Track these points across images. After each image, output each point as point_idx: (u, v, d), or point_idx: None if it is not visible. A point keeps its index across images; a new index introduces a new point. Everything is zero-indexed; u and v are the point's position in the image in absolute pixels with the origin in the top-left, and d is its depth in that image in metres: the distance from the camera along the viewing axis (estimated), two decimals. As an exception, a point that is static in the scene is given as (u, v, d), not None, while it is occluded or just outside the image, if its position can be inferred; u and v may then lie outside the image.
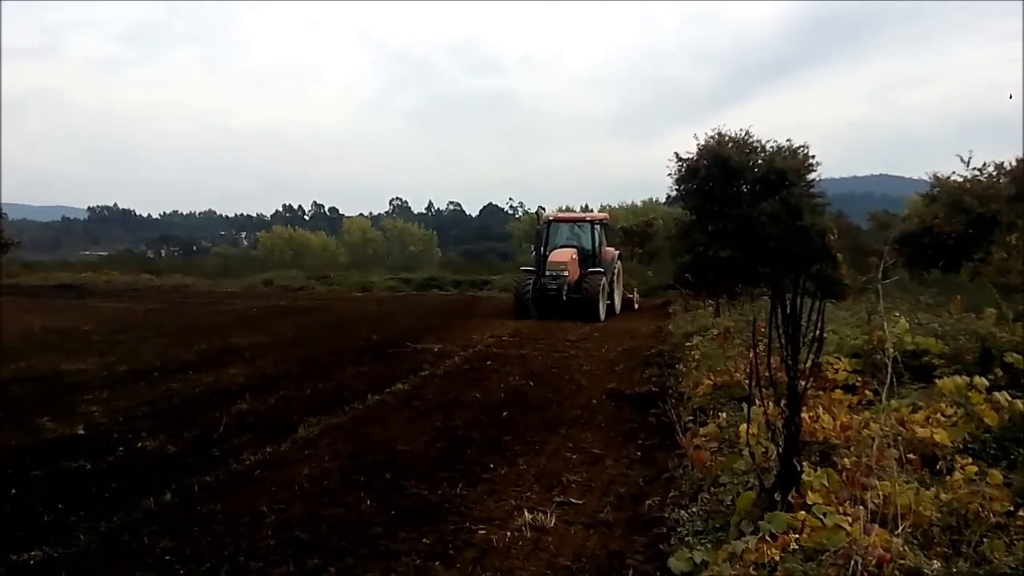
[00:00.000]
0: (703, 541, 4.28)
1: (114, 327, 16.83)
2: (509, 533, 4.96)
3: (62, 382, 10.16)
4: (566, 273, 19.81)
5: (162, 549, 4.71)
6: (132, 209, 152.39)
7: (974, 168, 24.93)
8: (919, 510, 3.76)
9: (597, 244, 21.72)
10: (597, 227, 22.13)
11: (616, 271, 22.27)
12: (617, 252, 23.20)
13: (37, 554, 4.66)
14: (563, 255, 20.38)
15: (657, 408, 8.28)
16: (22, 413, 8.25)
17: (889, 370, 4.56)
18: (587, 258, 21.21)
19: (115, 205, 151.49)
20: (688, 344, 12.09)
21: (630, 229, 40.48)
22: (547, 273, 19.98)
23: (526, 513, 5.24)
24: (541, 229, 21.89)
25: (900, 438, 4.88)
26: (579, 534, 5.02)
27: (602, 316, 19.84)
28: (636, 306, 24.37)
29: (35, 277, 35.58)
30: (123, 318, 19.20)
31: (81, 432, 7.55)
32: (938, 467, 4.69)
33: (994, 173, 24.76)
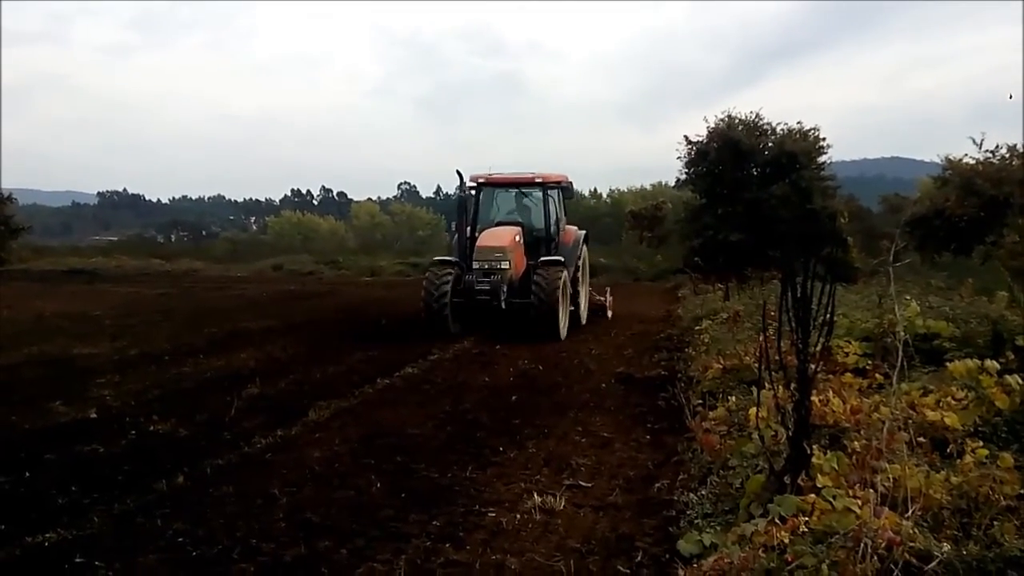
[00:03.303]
0: (712, 524, 4.29)
1: (125, 311, 16.91)
2: (519, 516, 4.99)
3: (74, 366, 10.22)
4: (505, 265, 13.04)
5: (175, 531, 4.75)
6: (142, 194, 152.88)
7: (986, 150, 24.71)
8: (929, 493, 3.75)
9: (553, 220, 14.54)
10: (553, 194, 14.71)
11: (582, 260, 15.30)
12: (583, 232, 15.54)
13: (52, 536, 4.70)
14: (500, 237, 13.48)
15: (666, 392, 8.28)
16: (35, 397, 8.31)
17: (900, 353, 4.54)
18: (538, 241, 14.35)
19: (125, 190, 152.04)
20: (697, 328, 12.09)
21: (639, 213, 40.35)
22: (475, 265, 13.17)
23: (536, 496, 5.26)
24: (466, 198, 14.07)
25: (911, 421, 4.86)
26: (588, 517, 5.04)
27: (563, 331, 13.23)
28: (609, 312, 16.67)
29: (46, 262, 35.69)
30: (134, 302, 19.28)
31: (94, 416, 7.61)
32: (948, 450, 4.67)
33: (1007, 155, 24.52)
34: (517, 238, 13.67)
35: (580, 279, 15.15)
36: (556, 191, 14.96)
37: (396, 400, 8.41)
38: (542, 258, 13.67)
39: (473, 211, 14.46)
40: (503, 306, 12.91)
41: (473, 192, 14.51)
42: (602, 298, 16.85)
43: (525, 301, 12.95)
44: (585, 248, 15.60)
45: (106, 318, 15.57)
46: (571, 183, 15.28)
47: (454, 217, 15.01)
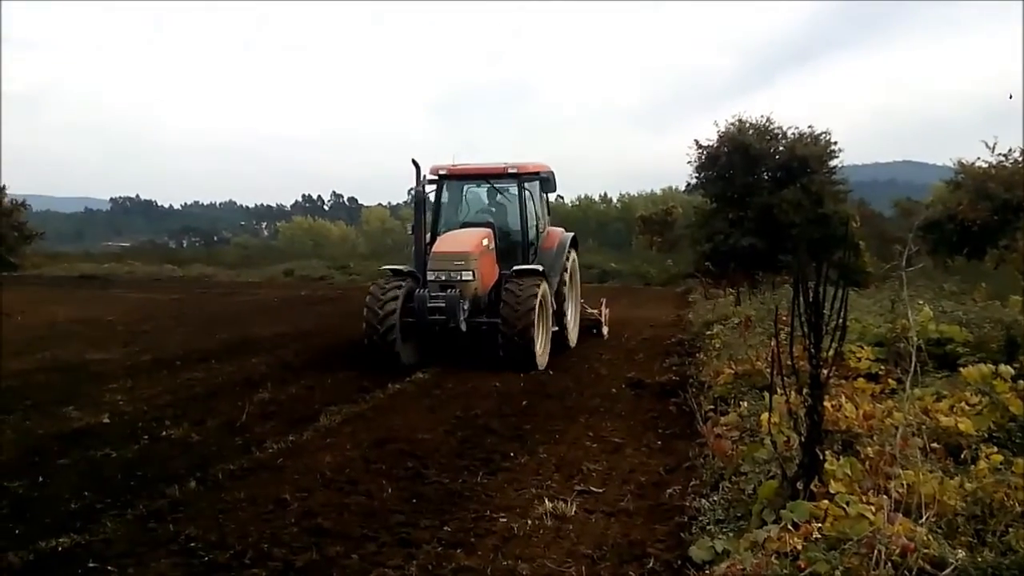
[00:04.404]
0: (724, 530, 4.27)
1: (137, 317, 16.98)
2: (530, 521, 4.98)
3: (87, 372, 10.27)
4: (468, 276, 10.48)
5: (187, 536, 4.77)
6: (154, 200, 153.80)
7: (999, 154, 24.63)
8: (943, 499, 3.73)
9: (530, 221, 12.03)
10: (529, 188, 12.08)
11: (569, 269, 12.67)
12: (570, 235, 13.03)
13: (65, 541, 4.73)
14: (462, 241, 10.95)
15: (677, 397, 8.26)
16: (48, 403, 8.35)
17: (913, 358, 4.52)
18: (513, 247, 11.82)
19: (137, 196, 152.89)
20: (708, 333, 12.06)
21: (649, 217, 40.34)
22: (430, 276, 10.62)
23: (547, 501, 5.26)
24: (419, 192, 11.36)
25: (924, 427, 4.84)
26: (600, 522, 5.04)
27: (541, 358, 10.63)
28: (605, 329, 14.21)
29: (59, 268, 35.92)
30: (146, 308, 19.37)
31: (106, 421, 7.64)
32: (962, 456, 4.65)
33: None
34: (485, 242, 10.95)
35: (567, 292, 12.41)
36: (535, 180, 12.31)
37: (407, 405, 8.42)
38: (515, 267, 11.05)
39: (434, 209, 12.00)
40: (462, 328, 10.37)
41: (433, 187, 12.00)
42: (596, 311, 14.32)
43: (493, 321, 10.51)
44: (573, 254, 12.99)
45: (119, 324, 15.65)
46: (552, 173, 12.53)
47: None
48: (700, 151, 28.26)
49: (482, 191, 12.64)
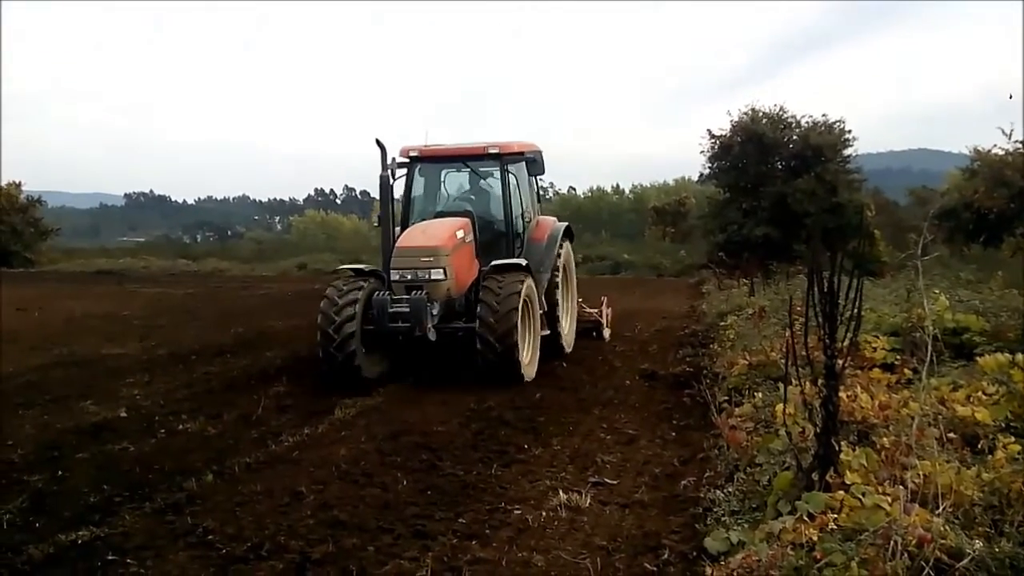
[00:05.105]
0: (739, 521, 4.27)
1: (153, 312, 17.09)
2: (544, 513, 4.99)
3: (104, 366, 10.35)
4: (439, 275, 8.98)
5: (205, 529, 4.81)
6: (167, 195, 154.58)
7: (1016, 141, 24.34)
8: (960, 490, 3.70)
9: (515, 209, 10.51)
10: (513, 171, 10.52)
11: (563, 263, 11.09)
12: (563, 225, 11.49)
13: (84, 534, 4.78)
14: (432, 233, 9.39)
15: (691, 388, 8.24)
16: (66, 397, 8.43)
17: (929, 348, 4.48)
18: (496, 240, 10.36)
19: (151, 191, 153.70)
20: (722, 324, 12.01)
21: (662, 208, 40.21)
22: (394, 276, 9.15)
23: (561, 493, 5.27)
24: (385, 178, 9.61)
25: (940, 417, 4.81)
26: (614, 514, 5.04)
27: (527, 369, 9.21)
28: (606, 331, 12.70)
29: (75, 263, 36.18)
30: (161, 303, 19.49)
31: (123, 415, 7.71)
32: (980, 446, 4.62)
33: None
34: (460, 234, 9.42)
35: (561, 290, 10.85)
36: (520, 167, 10.67)
37: (421, 398, 8.44)
38: (494, 262, 9.44)
39: (404, 197, 10.53)
40: (431, 336, 8.83)
41: (404, 170, 10.37)
42: (596, 310, 12.77)
43: (469, 326, 8.99)
44: (567, 247, 11.50)
45: (135, 318, 15.75)
46: (540, 153, 10.88)
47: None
48: (713, 141, 28.13)
49: (460, 176, 11.07)
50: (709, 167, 28.89)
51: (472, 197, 10.88)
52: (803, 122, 27.49)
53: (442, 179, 11.08)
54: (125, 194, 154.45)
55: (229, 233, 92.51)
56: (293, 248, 44.32)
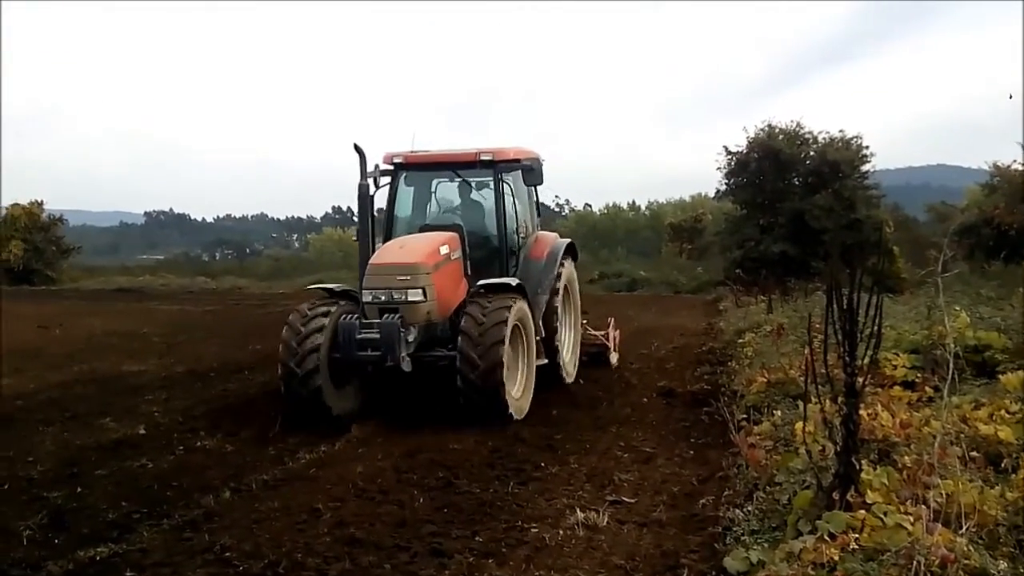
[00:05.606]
0: (759, 540, 4.22)
1: (172, 329, 17.22)
2: (561, 532, 4.96)
3: (124, 383, 10.43)
4: (417, 296, 7.87)
5: (222, 546, 4.81)
6: (187, 213, 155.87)
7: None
8: (984, 509, 3.66)
9: (508, 221, 9.34)
10: (509, 181, 9.47)
11: (564, 283, 10.01)
12: (565, 241, 10.35)
13: (103, 550, 4.79)
14: (410, 249, 8.35)
15: (709, 406, 8.19)
16: (86, 414, 8.49)
17: (950, 366, 4.45)
18: (489, 257, 9.34)
19: (170, 209, 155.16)
20: (740, 341, 11.95)
21: (679, 225, 40.19)
22: (366, 297, 7.99)
23: (578, 512, 5.23)
24: (364, 187, 8.50)
25: (963, 435, 4.76)
26: (632, 533, 5.00)
27: (518, 404, 8.10)
28: (614, 356, 11.73)
29: (96, 281, 36.60)
30: (180, 320, 19.64)
31: (142, 432, 7.74)
32: (1003, 465, 4.57)
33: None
34: (444, 250, 8.39)
35: (562, 314, 9.87)
36: (517, 169, 9.49)
37: (437, 415, 8.42)
38: (481, 282, 8.44)
39: (387, 209, 9.64)
40: (404, 367, 7.78)
41: (388, 179, 9.46)
42: (602, 333, 11.77)
43: (451, 354, 7.88)
44: (569, 265, 10.35)
45: (154, 336, 15.88)
46: (537, 160, 9.72)
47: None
48: (729, 157, 28.14)
49: (451, 186, 9.90)
50: (726, 183, 28.91)
51: (463, 209, 9.85)
52: (820, 138, 27.49)
53: (432, 189, 9.97)
54: (145, 212, 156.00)
55: (247, 251, 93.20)
56: (310, 266, 44.65)
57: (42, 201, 37.69)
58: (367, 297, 7.98)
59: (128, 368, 11.62)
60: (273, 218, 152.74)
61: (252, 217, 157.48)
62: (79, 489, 5.97)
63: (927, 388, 6.05)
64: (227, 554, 4.69)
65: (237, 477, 6.19)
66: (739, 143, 28.01)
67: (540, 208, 10.79)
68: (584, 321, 11.45)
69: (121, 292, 31.66)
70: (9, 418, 8.29)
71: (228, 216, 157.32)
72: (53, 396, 9.50)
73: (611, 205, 74.36)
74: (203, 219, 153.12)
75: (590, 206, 76.28)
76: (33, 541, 4.98)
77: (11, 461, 6.73)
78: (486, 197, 9.60)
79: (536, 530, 5.01)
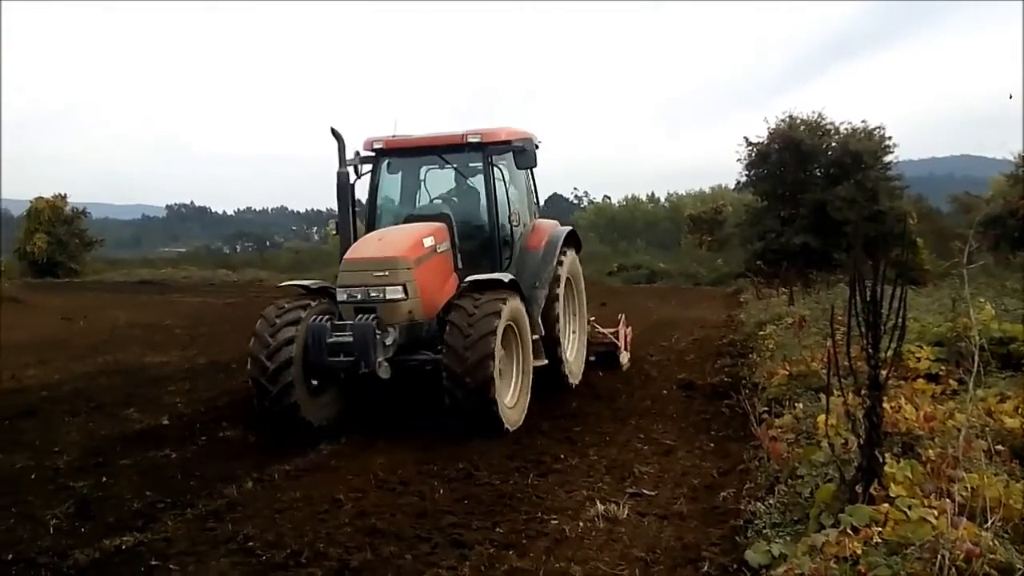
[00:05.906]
0: (781, 534, 4.19)
1: (194, 321, 17.38)
2: (581, 524, 4.96)
3: (147, 374, 10.55)
4: (396, 294, 7.17)
5: (245, 535, 4.86)
6: (208, 206, 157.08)
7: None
8: (1009, 503, 3.62)
9: (500, 209, 8.48)
10: (503, 164, 8.65)
11: (565, 276, 9.12)
12: (565, 230, 9.36)
13: (128, 539, 4.86)
14: (389, 242, 7.57)
15: (730, 399, 8.15)
16: (110, 404, 8.60)
17: (975, 358, 4.40)
18: (481, 248, 8.51)
19: (192, 203, 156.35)
20: (761, 333, 11.86)
21: (699, 217, 39.99)
22: (340, 296, 7.33)
23: (598, 504, 5.23)
24: (343, 175, 8.16)
25: (988, 429, 4.70)
26: (653, 525, 4.99)
27: (512, 413, 7.35)
28: (625, 356, 10.79)
29: (119, 273, 37.00)
30: (202, 312, 19.81)
31: (166, 422, 7.83)
32: (1029, 459, 4.51)
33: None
34: (430, 242, 7.70)
35: (563, 309, 9.01)
36: (510, 151, 8.54)
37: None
38: (469, 278, 7.58)
39: (370, 198, 8.90)
40: (381, 373, 7.04)
41: (369, 165, 8.71)
42: (612, 331, 10.84)
43: (437, 358, 7.15)
44: (572, 256, 9.47)
45: (176, 327, 16.03)
46: (530, 141, 8.74)
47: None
48: (750, 148, 27.94)
49: (439, 172, 9.14)
50: (746, 175, 28.72)
51: (452, 198, 9.03)
52: (842, 128, 27.21)
53: (421, 177, 9.19)
54: (167, 205, 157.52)
55: (268, 243, 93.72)
56: (329, 258, 44.76)
57: (66, 195, 38.14)
58: (341, 296, 7.29)
59: (151, 359, 11.75)
60: (293, 211, 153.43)
61: (272, 210, 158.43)
62: (104, 479, 6.05)
63: (951, 381, 5.99)
64: (250, 544, 4.74)
65: (260, 467, 6.25)
66: (760, 134, 27.81)
67: (538, 194, 9.81)
68: (592, 319, 10.74)
69: (143, 284, 31.96)
70: (35, 409, 8.41)
71: (248, 209, 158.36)
72: (78, 387, 9.63)
73: (630, 197, 74.17)
74: (224, 212, 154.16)
75: (609, 198, 76.13)
76: (60, 530, 5.06)
77: (37, 451, 6.84)
78: (477, 183, 8.81)
79: (556, 522, 5.02)
